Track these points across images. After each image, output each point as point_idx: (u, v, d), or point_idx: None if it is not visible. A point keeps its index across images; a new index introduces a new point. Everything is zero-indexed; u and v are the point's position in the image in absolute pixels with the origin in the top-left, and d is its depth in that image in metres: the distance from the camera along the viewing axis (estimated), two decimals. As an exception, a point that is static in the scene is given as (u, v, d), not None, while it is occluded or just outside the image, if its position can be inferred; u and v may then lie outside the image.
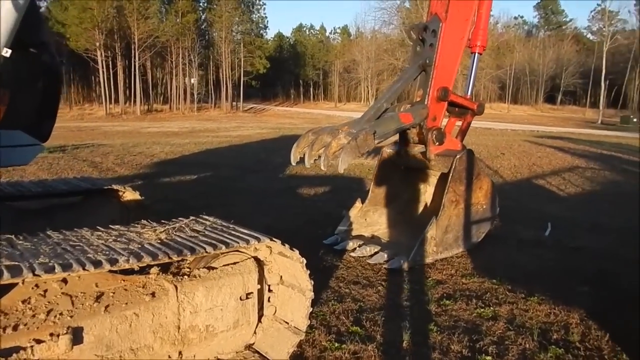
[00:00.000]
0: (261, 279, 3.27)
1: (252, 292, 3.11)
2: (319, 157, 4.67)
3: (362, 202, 5.93)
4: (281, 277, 3.36)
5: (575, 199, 8.90)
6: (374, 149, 6.87)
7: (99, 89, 51.15)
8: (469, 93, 5.96)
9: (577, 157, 15.06)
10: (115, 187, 4.86)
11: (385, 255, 5.06)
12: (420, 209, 6.24)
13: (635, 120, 43.04)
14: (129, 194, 5.00)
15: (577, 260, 5.33)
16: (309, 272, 3.16)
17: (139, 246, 2.72)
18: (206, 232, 3.07)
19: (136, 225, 3.23)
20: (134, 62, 50.16)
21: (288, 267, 3.27)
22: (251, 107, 61.95)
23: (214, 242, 2.84)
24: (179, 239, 2.89)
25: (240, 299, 3.06)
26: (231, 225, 3.30)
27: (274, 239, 3.06)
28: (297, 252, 3.09)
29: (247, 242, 2.90)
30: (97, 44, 47.76)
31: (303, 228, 6.35)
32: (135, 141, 19.04)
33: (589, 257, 5.43)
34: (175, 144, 17.90)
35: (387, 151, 5.94)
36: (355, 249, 5.37)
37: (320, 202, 8.03)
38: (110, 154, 14.43)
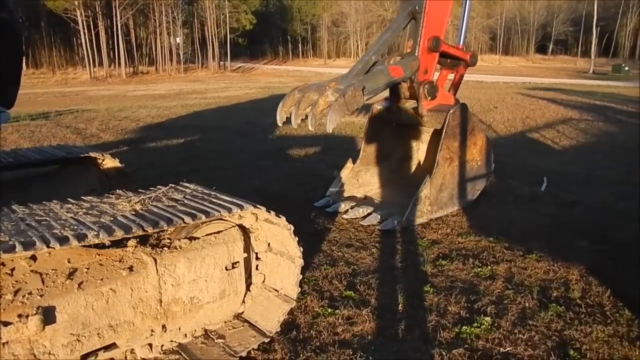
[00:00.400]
0: (247, 247, 3.10)
1: (238, 262, 2.95)
2: (306, 116, 4.46)
3: (354, 162, 5.73)
4: (269, 244, 3.19)
5: (570, 152, 8.75)
6: (364, 106, 6.65)
7: (82, 52, 49.77)
8: (461, 43, 5.69)
9: (570, 109, 14.84)
10: (93, 154, 4.61)
11: (379, 216, 4.91)
12: (414, 167, 6.07)
13: (627, 68, 42.67)
14: (109, 162, 4.76)
15: (574, 215, 5.21)
16: (297, 238, 2.97)
17: (111, 219, 2.52)
18: (185, 201, 2.88)
19: (110, 195, 3.02)
20: (116, 21, 48.60)
21: (275, 234, 3.09)
22: (239, 67, 60.70)
23: (193, 211, 2.65)
24: (155, 210, 2.69)
25: (226, 268, 2.90)
26: (212, 193, 3.10)
27: (258, 205, 2.87)
28: (283, 218, 2.91)
29: (229, 210, 2.71)
30: (76, 2, 46.12)
31: (293, 190, 6.17)
32: (120, 105, 18.57)
33: (586, 211, 5.31)
34: (162, 107, 17.48)
35: (378, 108, 5.71)
36: (347, 210, 5.21)
37: (310, 163, 7.83)
38: (94, 119, 14.05)
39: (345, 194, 5.64)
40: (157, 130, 11.68)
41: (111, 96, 25.08)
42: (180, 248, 2.74)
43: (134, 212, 2.66)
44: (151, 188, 3.22)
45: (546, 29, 70.63)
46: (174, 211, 2.65)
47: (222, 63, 58.03)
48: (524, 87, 25.69)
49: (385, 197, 5.67)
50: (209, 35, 57.62)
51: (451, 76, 5.85)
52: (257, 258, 3.18)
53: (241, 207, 2.78)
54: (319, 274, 3.75)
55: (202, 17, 59.30)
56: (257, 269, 3.18)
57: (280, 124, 4.71)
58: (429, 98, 5.15)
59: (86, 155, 4.59)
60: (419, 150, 6.17)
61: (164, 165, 7.63)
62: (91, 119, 14.07)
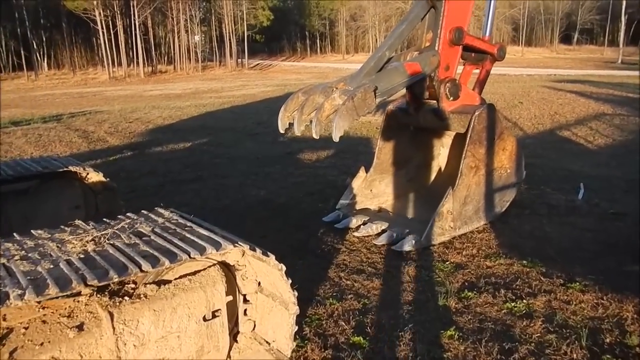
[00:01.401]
0: (233, 288, 2.57)
1: (219, 309, 2.42)
2: (311, 122, 3.91)
3: (367, 171, 5.15)
4: (259, 283, 2.66)
5: (606, 152, 8.03)
6: (382, 104, 6.04)
7: (102, 52, 49.92)
8: (487, 34, 5.06)
9: (602, 103, 13.95)
10: (74, 168, 4.13)
11: (394, 235, 4.33)
12: (433, 175, 5.48)
13: (658, 57, 40.98)
14: (93, 176, 4.29)
15: (619, 230, 4.56)
16: (290, 281, 2.43)
17: (51, 266, 2.02)
18: (151, 237, 2.36)
19: (65, 229, 2.52)
20: (134, 20, 48.58)
21: (266, 272, 2.55)
22: (257, 64, 60.27)
23: (156, 253, 2.13)
24: (110, 251, 2.18)
25: (204, 319, 2.37)
26: (188, 224, 2.57)
27: (239, 242, 2.32)
28: (272, 257, 2.37)
29: (203, 250, 2.18)
30: (95, 2, 46.20)
31: (302, 202, 5.63)
32: (134, 106, 18.24)
33: (633, 225, 4.65)
34: (175, 107, 17.08)
35: (393, 109, 5.12)
36: (359, 226, 4.64)
37: (321, 168, 7.27)
38: (105, 121, 13.68)
39: (358, 207, 5.07)
40: (165, 132, 11.24)
41: (127, 96, 24.85)
42: (146, 297, 2.22)
43: (82, 256, 2.15)
44: (119, 217, 2.72)
45: (571, 17, 68.50)
46: (133, 253, 2.14)
47: (239, 60, 57.69)
48: (549, 79, 24.66)
49: (402, 210, 5.10)
50: (226, 32, 57.32)
51: (476, 72, 5.23)
52: (245, 301, 2.64)
53: (218, 246, 2.24)
54: (324, 312, 3.19)
55: (220, 14, 59.03)
56: (245, 314, 2.64)
57: (282, 131, 4.19)
58: (451, 98, 4.55)
59: (65, 169, 4.12)
60: (440, 156, 5.58)
61: (167, 173, 7.16)
62: (102, 121, 13.71)
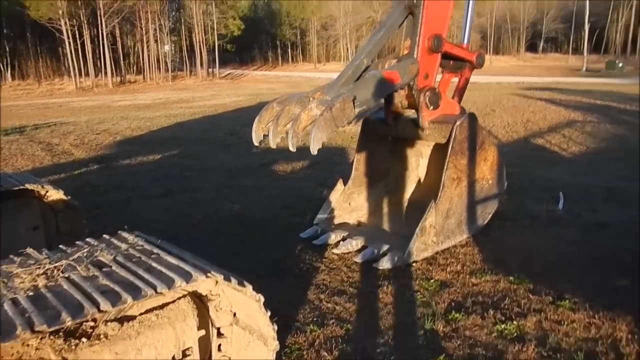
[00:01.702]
0: (205, 321, 2.33)
1: (190, 347, 2.18)
2: (287, 133, 3.72)
3: (345, 183, 4.96)
4: (234, 314, 2.42)
5: (581, 160, 8.04)
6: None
7: (68, 62, 48.71)
8: (465, 41, 4.94)
9: (572, 110, 14.15)
10: (31, 186, 3.82)
11: (375, 251, 4.15)
12: (413, 186, 5.32)
13: (621, 65, 42.21)
14: (54, 193, 3.98)
15: (603, 241, 4.47)
16: (269, 313, 2.21)
17: (-8, 309, 1.76)
18: (112, 268, 2.10)
19: (14, 259, 2.24)
20: (101, 30, 47.59)
21: (243, 302, 2.32)
22: (228, 73, 59.77)
23: (117, 288, 1.88)
24: (64, 286, 1.92)
25: (174, 359, 2.13)
26: (155, 251, 2.32)
27: (211, 273, 2.08)
28: (249, 287, 2.14)
29: (171, 283, 1.94)
30: (60, 12, 45.12)
31: (277, 216, 5.40)
32: (102, 117, 17.72)
33: (616, 235, 4.57)
34: (144, 118, 16.65)
35: (371, 119, 4.95)
36: (338, 242, 4.44)
37: (297, 180, 7.05)
38: (71, 133, 13.20)
39: (336, 221, 4.87)
40: (134, 144, 10.86)
41: (95, 107, 24.19)
42: (107, 337, 1.97)
43: (32, 293, 1.89)
44: (77, 243, 2.45)
45: (536, 27, 70.09)
46: (91, 289, 1.89)
47: (210, 70, 57.15)
48: (518, 87, 25.06)
49: (382, 224, 4.92)
50: (197, 42, 56.74)
51: (454, 79, 5.10)
52: (220, 335, 2.40)
53: (188, 277, 2.00)
54: (304, 340, 2.97)
55: (190, 24, 58.45)
56: (219, 349, 2.40)
57: (256, 144, 3.97)
58: (431, 107, 4.40)
59: (23, 187, 3.81)
60: (419, 167, 5.42)
61: (134, 187, 6.83)
62: (67, 133, 13.22)
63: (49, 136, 12.82)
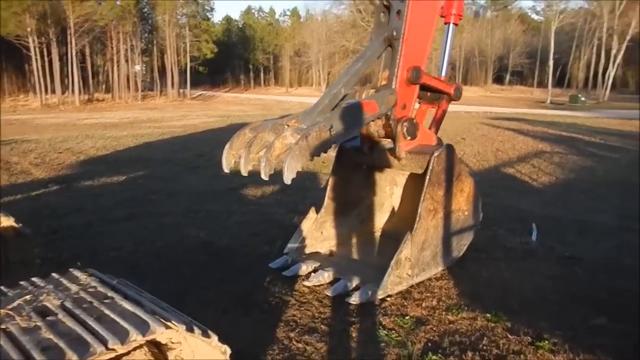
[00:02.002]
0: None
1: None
2: (259, 161, 3.55)
3: (317, 211, 4.80)
4: (197, 361, 2.19)
5: (551, 191, 8.09)
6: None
7: (34, 79, 47.56)
8: (443, 74, 4.91)
9: (539, 141, 14.44)
10: (-25, 212, 3.53)
11: (348, 284, 3.97)
12: (386, 215, 5.21)
13: (583, 99, 43.72)
14: (3, 220, 3.68)
15: (578, 276, 4.39)
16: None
17: None
18: (59, 317, 1.86)
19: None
20: (70, 48, 46.78)
21: (207, 352, 2.10)
22: (200, 94, 59.48)
23: (61, 343, 1.65)
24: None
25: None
26: (109, 295, 2.08)
27: (172, 322, 1.87)
28: (215, 338, 1.93)
29: (124, 337, 1.71)
30: (29, 29, 44.23)
31: (246, 243, 5.18)
32: (66, 135, 17.19)
33: (591, 270, 4.52)
34: (110, 137, 16.22)
35: (346, 147, 4.82)
36: (309, 274, 4.24)
37: (267, 206, 6.85)
38: (32, 151, 12.70)
39: (307, 251, 4.68)
40: (98, 164, 10.48)
41: (60, 124, 23.53)
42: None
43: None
44: (21, 284, 2.20)
45: (503, 60, 72.53)
46: (30, 345, 1.64)
47: (181, 91, 56.71)
48: (486, 116, 25.56)
49: (355, 254, 4.75)
50: (169, 63, 56.36)
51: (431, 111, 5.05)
52: (179, 383, 2.17)
53: (144, 329, 1.78)
54: (272, 385, 2.75)
55: (162, 45, 58.15)
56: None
57: (226, 171, 3.79)
58: (409, 138, 4.31)
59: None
60: (393, 195, 5.32)
61: (96, 210, 6.51)
62: (28, 151, 12.71)
63: (8, 154, 12.29)
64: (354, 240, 4.92)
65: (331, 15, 69.50)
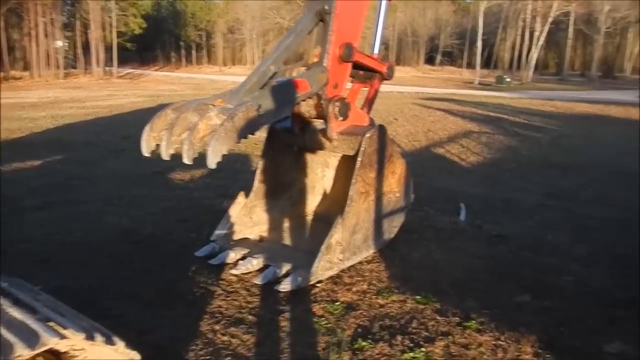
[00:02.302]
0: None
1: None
2: (182, 144, 3.33)
3: (247, 195, 4.62)
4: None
5: (479, 170, 8.31)
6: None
7: (-62, 53, 43.64)
8: (376, 51, 4.82)
9: (468, 121, 14.86)
10: None
11: (277, 271, 3.84)
12: (318, 198, 5.10)
13: (508, 80, 45.53)
14: None
15: (504, 254, 4.50)
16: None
17: None
18: None
19: None
20: (-18, 21, 43.25)
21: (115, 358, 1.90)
22: (128, 73, 56.73)
23: None
24: None
25: None
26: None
27: (70, 331, 1.66)
28: (121, 344, 1.74)
29: (8, 352, 1.49)
30: None
31: (172, 231, 4.93)
32: (-25, 116, 15.85)
33: (517, 248, 4.64)
34: (27, 118, 15.10)
35: (276, 128, 4.65)
36: (238, 261, 4.08)
37: (196, 190, 6.58)
38: None
39: (236, 238, 4.50)
40: (12, 148, 9.69)
41: (-31, 104, 21.71)
42: None
43: None
44: None
45: (434, 41, 74.31)
46: None
47: (108, 69, 53.89)
48: (418, 97, 26.06)
49: (286, 239, 4.63)
50: (93, 39, 53.28)
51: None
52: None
53: (33, 342, 1.56)
54: (193, 384, 2.59)
55: (86, 20, 54.84)
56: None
57: (146, 154, 3.53)
58: (341, 118, 4.19)
59: None
60: (325, 177, 5.22)
61: (7, 199, 5.97)
62: None
63: None
64: (285, 225, 4.79)
65: (265, -9, 68.23)
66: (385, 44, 70.89)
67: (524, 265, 4.23)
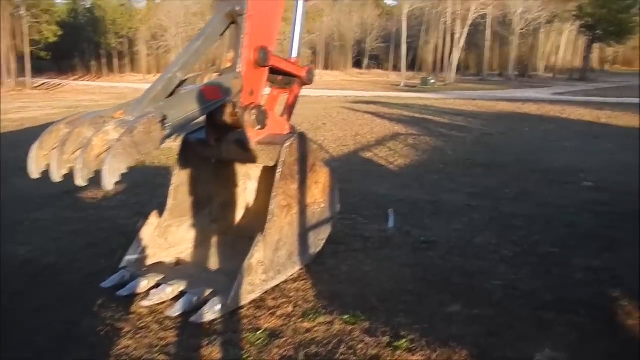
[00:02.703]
0: None
1: None
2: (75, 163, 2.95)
3: (161, 214, 4.23)
4: None
5: (407, 173, 8.29)
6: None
7: None
8: (294, 55, 4.59)
9: (395, 123, 15.02)
10: None
11: (194, 299, 3.50)
12: (241, 213, 4.81)
13: (433, 81, 47.00)
14: None
15: (434, 260, 4.39)
16: None
17: None
18: None
19: None
20: None
21: None
22: (43, 83, 53.48)
23: None
24: None
25: None
26: None
27: None
28: None
29: None
30: None
31: (78, 258, 4.44)
32: None
33: (445, 253, 4.54)
34: None
35: (190, 140, 4.31)
36: (150, 291, 3.69)
37: (109, 209, 6.06)
38: None
39: (149, 262, 4.10)
40: None
41: None
42: None
43: None
44: None
45: (361, 45, 75.60)
46: None
47: (21, 79, 50.58)
48: (346, 100, 26.21)
49: (205, 261, 4.28)
50: (3, 47, 49.82)
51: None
52: None
53: None
54: None
55: (-6, 26, 51.21)
56: None
57: (35, 176, 3.12)
58: (258, 127, 3.92)
59: None
60: (247, 191, 4.94)
61: None
62: None
63: None
64: (205, 244, 4.45)
65: (189, -4, 66.64)
66: (313, 49, 71.45)
67: (453, 271, 4.13)
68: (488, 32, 60.06)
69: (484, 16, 56.73)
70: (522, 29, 59.12)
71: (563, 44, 68.69)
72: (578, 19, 55.38)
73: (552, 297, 3.70)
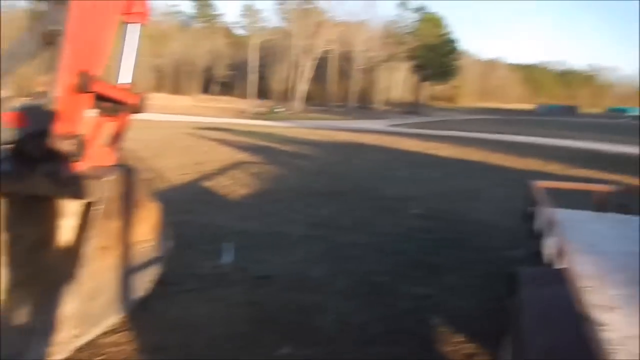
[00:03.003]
0: None
1: None
2: None
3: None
4: None
5: (248, 203, 8.21)
6: None
7: None
8: (124, 81, 4.26)
9: (240, 151, 14.97)
10: None
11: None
12: (55, 256, 4.25)
13: (280, 110, 48.41)
14: None
15: (268, 297, 4.32)
16: None
17: None
18: None
19: None
20: None
21: None
22: None
23: None
24: None
25: None
26: None
27: None
28: None
29: None
30: None
31: None
32: None
33: (281, 288, 4.51)
34: None
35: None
36: None
37: None
38: None
39: None
40: None
41: None
42: None
43: None
44: None
45: (210, 71, 74.91)
46: None
47: None
48: (192, 126, 25.54)
49: (10, 317, 3.68)
50: None
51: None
52: None
53: None
54: None
55: None
56: None
57: None
58: (76, 158, 3.52)
59: None
60: (62, 229, 4.39)
61: None
62: None
63: None
64: (9, 296, 3.83)
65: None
66: (161, 73, 68.92)
67: (287, 308, 4.10)
68: (333, 66, 63.70)
69: (329, 52, 60.19)
70: (362, 66, 63.83)
71: (399, 81, 75.43)
72: (411, 60, 61.99)
73: (381, 329, 3.84)
